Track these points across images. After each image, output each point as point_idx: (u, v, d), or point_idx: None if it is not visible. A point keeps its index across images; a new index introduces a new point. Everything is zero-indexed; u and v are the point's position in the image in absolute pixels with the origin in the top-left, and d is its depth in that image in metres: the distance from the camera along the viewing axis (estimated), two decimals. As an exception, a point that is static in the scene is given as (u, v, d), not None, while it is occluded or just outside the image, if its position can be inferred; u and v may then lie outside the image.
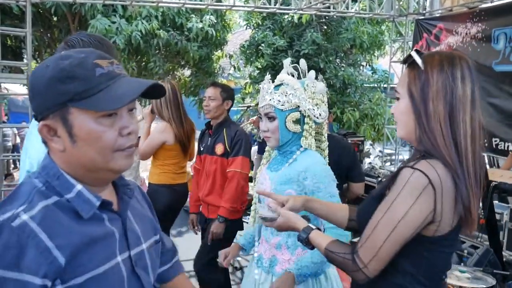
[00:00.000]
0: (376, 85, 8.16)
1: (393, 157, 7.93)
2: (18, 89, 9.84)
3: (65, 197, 0.88)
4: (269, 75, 1.97)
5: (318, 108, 1.79)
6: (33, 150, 1.43)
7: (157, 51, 7.70)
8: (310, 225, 1.35)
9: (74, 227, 0.86)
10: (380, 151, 8.89)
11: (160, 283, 1.23)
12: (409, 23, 7.02)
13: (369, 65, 8.47)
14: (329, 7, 6.59)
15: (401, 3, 6.96)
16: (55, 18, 7.33)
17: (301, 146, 1.80)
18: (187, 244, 4.71)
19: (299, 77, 1.86)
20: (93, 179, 0.93)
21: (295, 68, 1.85)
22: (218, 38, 8.26)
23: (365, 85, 8.20)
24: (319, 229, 1.35)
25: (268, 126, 1.79)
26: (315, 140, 1.87)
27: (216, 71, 9.13)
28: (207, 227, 3.04)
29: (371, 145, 12.53)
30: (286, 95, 1.75)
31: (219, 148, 2.95)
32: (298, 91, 1.76)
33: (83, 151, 0.88)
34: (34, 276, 0.79)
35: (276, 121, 1.77)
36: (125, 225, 0.98)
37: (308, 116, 1.78)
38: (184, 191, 3.40)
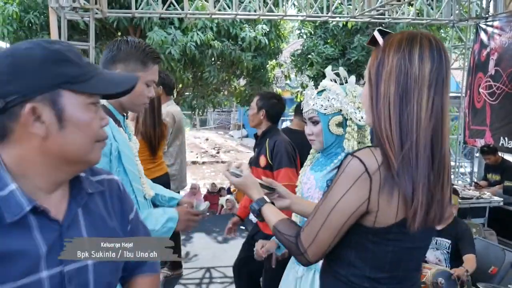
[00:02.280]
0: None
1: (456, 169, 7.51)
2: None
3: None
4: (312, 82, 2.05)
5: (360, 111, 1.84)
6: None
7: (212, 61, 7.92)
8: (265, 197, 1.38)
9: None
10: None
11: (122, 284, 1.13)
12: (471, 28, 6.68)
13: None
14: (383, 14, 6.44)
15: (461, 7, 6.64)
16: (119, 33, 7.77)
17: (345, 149, 1.86)
18: (233, 251, 4.77)
19: (341, 83, 1.93)
20: (57, 175, 0.87)
21: (337, 74, 1.93)
22: (272, 47, 8.33)
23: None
24: (273, 203, 1.36)
25: (313, 130, 1.87)
26: (359, 142, 1.90)
27: (270, 81, 9.20)
28: (256, 236, 2.92)
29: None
30: (328, 100, 1.84)
31: (262, 161, 2.84)
32: (340, 96, 1.83)
33: (70, 138, 0.84)
34: None
35: (320, 125, 1.85)
36: (62, 236, 0.86)
37: (350, 119, 1.83)
38: (161, 183, 3.53)
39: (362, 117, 1.84)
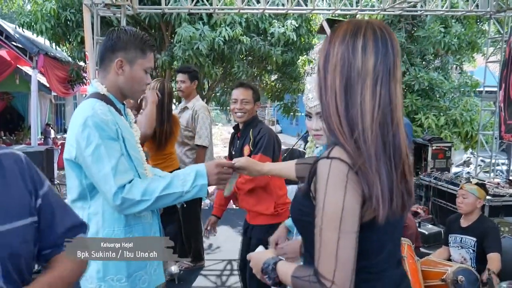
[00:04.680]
0: (467, 89, 7.54)
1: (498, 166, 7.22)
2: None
3: None
4: (315, 75, 2.03)
5: None
6: None
7: (242, 57, 7.94)
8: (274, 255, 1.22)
9: None
10: (482, 161, 8.21)
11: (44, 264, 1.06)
12: (510, 19, 6.39)
13: (459, 68, 7.85)
14: (415, 6, 6.27)
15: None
16: (153, 30, 7.93)
17: None
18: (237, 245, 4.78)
19: None
20: None
21: None
22: (303, 42, 8.28)
23: (454, 89, 7.61)
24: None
25: (321, 125, 1.83)
26: None
27: (301, 76, 9.16)
28: (247, 230, 3.05)
29: (472, 153, 11.61)
30: None
31: (246, 150, 2.85)
32: None
33: None
34: None
35: None
36: None
37: None
38: None
39: None
